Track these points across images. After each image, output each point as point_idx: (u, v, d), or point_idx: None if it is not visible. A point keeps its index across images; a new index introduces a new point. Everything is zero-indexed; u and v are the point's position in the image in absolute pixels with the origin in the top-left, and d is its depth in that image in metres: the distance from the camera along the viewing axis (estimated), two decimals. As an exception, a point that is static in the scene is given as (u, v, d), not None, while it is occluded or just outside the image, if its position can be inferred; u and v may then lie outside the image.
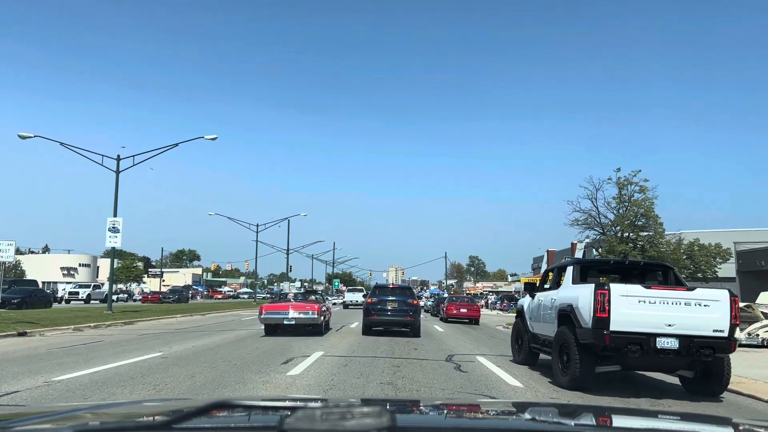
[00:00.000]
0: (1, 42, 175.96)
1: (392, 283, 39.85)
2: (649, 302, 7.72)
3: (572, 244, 51.49)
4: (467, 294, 61.95)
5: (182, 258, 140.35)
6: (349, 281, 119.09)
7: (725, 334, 7.60)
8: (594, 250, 39.81)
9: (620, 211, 35.29)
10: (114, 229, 26.48)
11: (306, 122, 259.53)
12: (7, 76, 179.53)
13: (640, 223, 34.70)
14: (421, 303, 52.88)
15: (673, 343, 7.59)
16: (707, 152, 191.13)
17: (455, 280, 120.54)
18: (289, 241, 65.59)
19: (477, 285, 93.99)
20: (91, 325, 18.93)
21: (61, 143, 26.45)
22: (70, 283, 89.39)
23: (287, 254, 66.83)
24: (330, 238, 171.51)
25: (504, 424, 1.76)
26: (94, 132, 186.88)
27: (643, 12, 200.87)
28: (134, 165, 27.17)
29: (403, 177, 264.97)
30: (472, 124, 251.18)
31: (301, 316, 16.84)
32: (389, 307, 17.73)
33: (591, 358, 8.04)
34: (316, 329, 16.99)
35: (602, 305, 7.68)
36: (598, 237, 37.55)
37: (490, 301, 60.19)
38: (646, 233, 34.57)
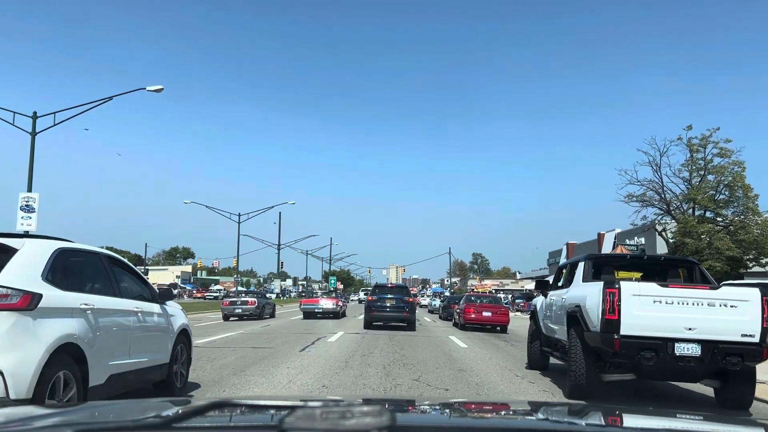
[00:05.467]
0: None
1: (391, 283, 47.24)
2: (666, 302, 7.31)
3: (599, 234, 50.80)
4: (473, 291, 60.43)
5: (176, 255, 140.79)
6: (346, 279, 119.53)
7: (756, 339, 7.15)
8: (658, 233, 32.79)
9: (693, 181, 29.27)
10: (28, 208, 22.26)
11: (306, 121, 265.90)
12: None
13: (722, 197, 28.74)
14: (425, 301, 54.61)
15: (694, 350, 7.18)
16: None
17: (458, 278, 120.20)
18: (280, 234, 65.36)
19: (485, 282, 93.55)
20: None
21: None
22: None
23: (278, 249, 66.54)
24: (328, 235, 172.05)
25: (504, 424, 1.83)
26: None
27: (645, 8, 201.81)
28: (55, 125, 23.56)
29: (403, 175, 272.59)
30: (473, 124, 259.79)
31: (327, 306, 28.53)
32: (388, 305, 21.58)
33: (598, 365, 7.74)
34: (336, 315, 28.90)
35: (612, 306, 7.28)
36: (659, 217, 31.52)
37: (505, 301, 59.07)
38: (733, 210, 28.88)
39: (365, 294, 46.69)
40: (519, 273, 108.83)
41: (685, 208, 29.75)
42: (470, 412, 2.15)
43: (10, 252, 5.04)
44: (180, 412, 1.58)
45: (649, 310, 7.28)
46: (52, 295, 5.09)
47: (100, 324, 5.71)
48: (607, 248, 43.55)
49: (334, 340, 16.42)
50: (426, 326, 25.34)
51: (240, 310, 27.11)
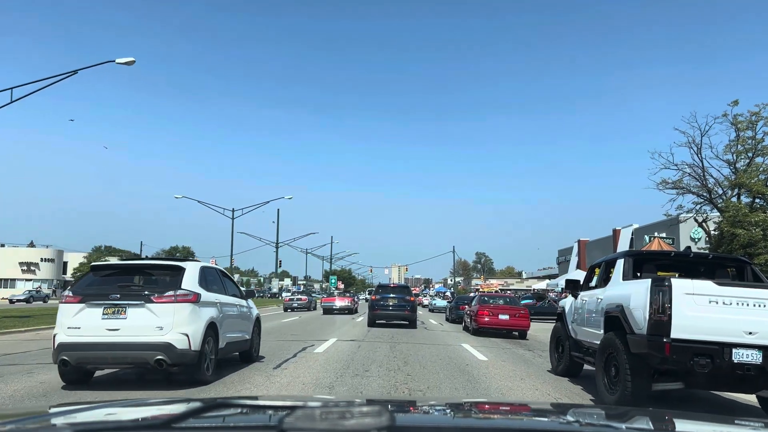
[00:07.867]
0: None
1: (393, 283, 53.63)
2: (723, 303, 6.69)
3: (614, 230, 50.13)
4: (477, 291, 58.98)
5: (175, 255, 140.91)
6: (348, 279, 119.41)
7: None
8: (698, 225, 30.19)
9: (739, 165, 26.77)
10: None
11: (306, 119, 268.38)
12: None
13: None
14: (426, 301, 54.51)
15: (755, 357, 6.56)
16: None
17: (462, 278, 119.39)
18: (278, 232, 64.40)
19: (491, 282, 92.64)
20: None
21: None
22: (30, 280, 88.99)
23: (276, 247, 65.79)
24: (329, 234, 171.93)
25: (504, 424, 1.82)
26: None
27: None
28: (12, 102, 22.01)
29: (405, 174, 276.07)
30: (475, 123, 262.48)
31: (342, 304, 35.46)
32: (390, 304, 23.17)
33: (646, 372, 7.09)
34: (351, 312, 35.14)
35: (661, 306, 6.68)
36: (699, 206, 28.69)
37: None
38: None
39: (369, 294, 49.69)
40: (524, 272, 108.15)
41: (728, 195, 27.32)
42: (471, 412, 2.05)
43: (182, 270, 8.66)
44: (180, 412, 1.60)
45: (704, 311, 6.68)
46: (204, 294, 8.77)
47: (223, 312, 9.49)
48: (623, 245, 42.78)
49: (323, 350, 14.07)
50: (433, 330, 23.08)
51: (296, 304, 40.02)
